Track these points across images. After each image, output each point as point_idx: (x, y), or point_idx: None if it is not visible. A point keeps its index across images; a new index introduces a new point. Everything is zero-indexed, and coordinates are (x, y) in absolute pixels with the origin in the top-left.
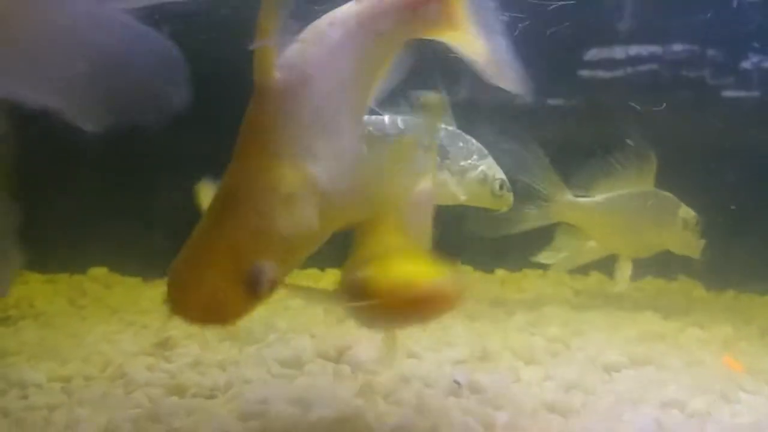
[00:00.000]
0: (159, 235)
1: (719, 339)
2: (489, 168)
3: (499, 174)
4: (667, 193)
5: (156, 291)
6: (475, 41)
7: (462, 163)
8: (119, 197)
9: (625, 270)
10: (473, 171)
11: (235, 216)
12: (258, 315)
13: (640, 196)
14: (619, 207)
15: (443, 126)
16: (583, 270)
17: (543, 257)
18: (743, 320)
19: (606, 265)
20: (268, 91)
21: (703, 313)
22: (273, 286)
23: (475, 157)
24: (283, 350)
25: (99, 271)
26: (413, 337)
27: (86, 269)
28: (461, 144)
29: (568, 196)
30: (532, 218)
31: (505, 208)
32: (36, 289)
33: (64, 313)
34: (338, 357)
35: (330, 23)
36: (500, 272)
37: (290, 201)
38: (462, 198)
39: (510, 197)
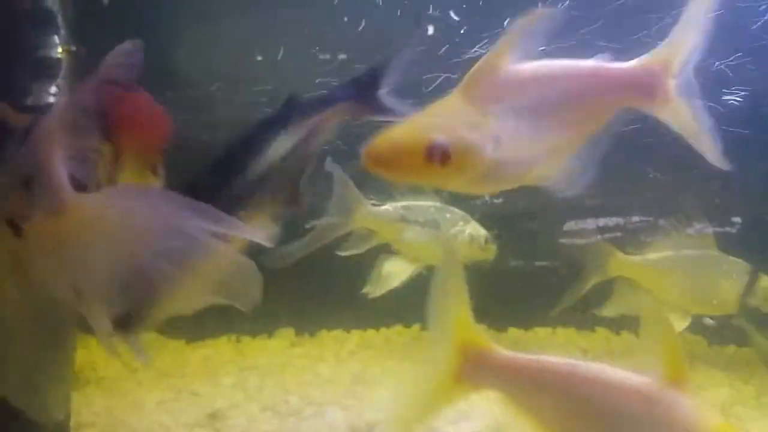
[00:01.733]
0: None
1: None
2: (474, 229)
3: (482, 231)
4: (737, 260)
5: (199, 354)
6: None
7: (452, 230)
8: None
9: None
10: (462, 235)
11: (425, 115)
12: (297, 388)
13: (695, 257)
14: (670, 265)
15: (431, 203)
16: (590, 325)
17: (606, 311)
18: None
19: (612, 321)
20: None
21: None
22: (445, 158)
23: (461, 223)
24: (318, 423)
25: (148, 335)
26: None
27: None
28: (448, 215)
29: (620, 255)
30: (593, 275)
31: (491, 257)
32: (95, 353)
33: (122, 377)
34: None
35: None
36: (513, 331)
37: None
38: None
39: (494, 247)
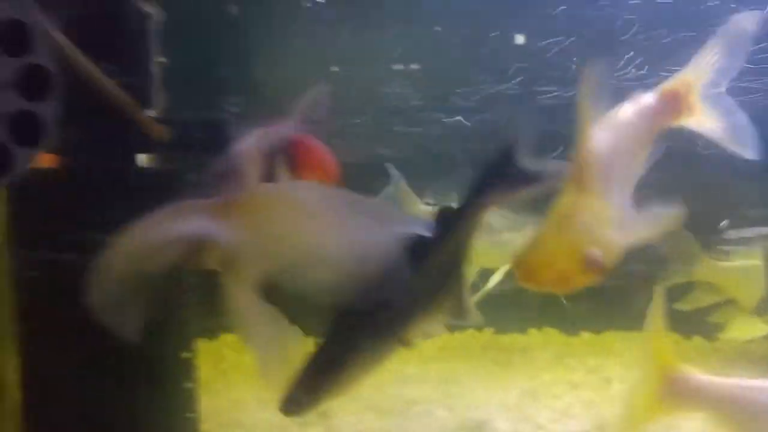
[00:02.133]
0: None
1: None
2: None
3: None
4: None
5: None
6: (711, 121)
7: (507, 236)
8: None
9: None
10: (517, 241)
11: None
12: (392, 388)
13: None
14: (753, 275)
15: None
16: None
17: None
18: None
19: (683, 326)
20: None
21: None
22: (598, 267)
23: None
24: (426, 421)
25: (230, 338)
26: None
27: (218, 335)
28: (505, 220)
29: (707, 259)
30: (679, 276)
31: None
32: None
33: (212, 378)
34: (479, 429)
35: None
36: (585, 335)
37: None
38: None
39: None
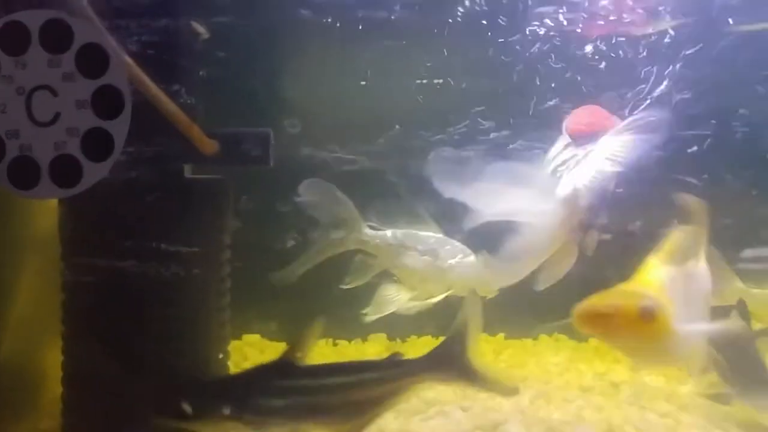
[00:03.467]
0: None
1: None
2: (473, 263)
3: None
4: None
5: None
6: None
7: (450, 262)
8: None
9: None
10: (461, 267)
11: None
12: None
13: None
14: None
15: (432, 234)
16: None
17: None
18: None
19: None
20: None
21: None
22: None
23: (460, 256)
24: (444, 422)
25: (253, 338)
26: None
27: (240, 335)
28: (448, 246)
29: (739, 284)
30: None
31: (492, 295)
32: None
33: None
34: (494, 431)
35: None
36: (593, 341)
37: None
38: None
39: None
